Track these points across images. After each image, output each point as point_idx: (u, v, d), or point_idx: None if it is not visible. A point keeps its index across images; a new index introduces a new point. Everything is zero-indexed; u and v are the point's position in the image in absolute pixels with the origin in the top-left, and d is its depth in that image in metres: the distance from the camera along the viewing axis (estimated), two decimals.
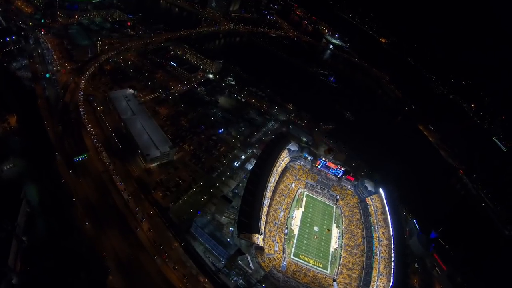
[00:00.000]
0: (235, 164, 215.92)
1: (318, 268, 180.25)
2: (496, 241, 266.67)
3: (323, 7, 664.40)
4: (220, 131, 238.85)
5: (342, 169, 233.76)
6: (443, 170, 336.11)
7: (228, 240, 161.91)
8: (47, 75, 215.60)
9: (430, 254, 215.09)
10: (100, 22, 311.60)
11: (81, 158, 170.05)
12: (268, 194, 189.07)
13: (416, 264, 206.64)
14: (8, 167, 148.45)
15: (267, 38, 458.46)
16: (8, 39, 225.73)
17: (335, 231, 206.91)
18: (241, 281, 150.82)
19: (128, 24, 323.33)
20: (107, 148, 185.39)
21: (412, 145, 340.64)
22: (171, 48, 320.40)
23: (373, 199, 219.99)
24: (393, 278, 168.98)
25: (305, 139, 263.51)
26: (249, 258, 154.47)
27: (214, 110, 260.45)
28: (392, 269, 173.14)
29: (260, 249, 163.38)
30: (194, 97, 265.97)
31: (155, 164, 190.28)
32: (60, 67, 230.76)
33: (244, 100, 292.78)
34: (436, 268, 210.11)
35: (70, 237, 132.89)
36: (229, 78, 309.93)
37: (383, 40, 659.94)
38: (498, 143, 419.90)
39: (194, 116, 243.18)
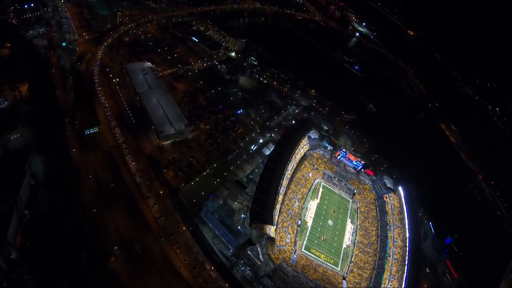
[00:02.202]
0: (252, 147, 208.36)
1: (328, 264, 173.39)
2: (509, 253, 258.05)
3: None
4: (239, 112, 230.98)
5: (362, 162, 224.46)
6: (462, 173, 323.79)
7: (239, 228, 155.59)
8: (64, 44, 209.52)
9: (443, 260, 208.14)
10: None
11: (92, 130, 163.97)
12: (285, 182, 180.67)
13: (427, 268, 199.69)
14: (15, 137, 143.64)
15: (293, 20, 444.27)
16: (26, 6, 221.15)
17: (349, 227, 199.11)
18: (248, 272, 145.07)
19: None
20: (120, 122, 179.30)
21: (433, 144, 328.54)
22: (193, 23, 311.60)
23: (391, 196, 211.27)
24: (405, 282, 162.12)
25: (326, 128, 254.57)
26: (259, 249, 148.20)
27: (234, 89, 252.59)
28: (405, 273, 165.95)
29: (271, 240, 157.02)
30: (214, 75, 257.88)
31: (169, 142, 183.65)
32: (77, 36, 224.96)
33: (265, 81, 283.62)
34: (447, 275, 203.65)
35: (74, 214, 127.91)
36: (251, 58, 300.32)
37: (410, 33, 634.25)
38: None
39: (212, 95, 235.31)
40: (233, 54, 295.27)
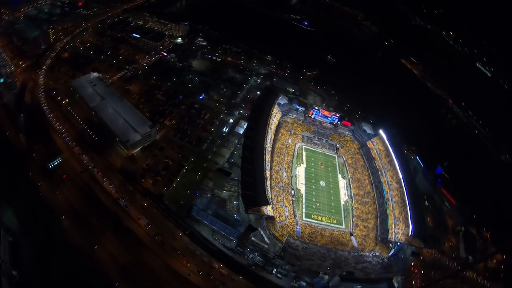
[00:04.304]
0: (224, 130, 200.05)
1: (333, 225, 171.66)
2: (495, 168, 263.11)
3: None
4: (200, 97, 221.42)
5: (337, 115, 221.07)
6: (433, 101, 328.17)
7: (235, 216, 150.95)
8: (1, 80, 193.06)
9: (438, 190, 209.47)
10: (49, 9, 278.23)
11: (55, 162, 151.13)
12: (267, 156, 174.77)
13: (426, 202, 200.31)
14: None
15: None
16: None
17: (341, 182, 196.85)
18: (258, 257, 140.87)
19: (80, 4, 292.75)
20: (82, 144, 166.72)
21: (398, 80, 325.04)
22: (130, 19, 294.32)
23: (374, 142, 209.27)
24: (411, 222, 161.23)
25: (292, 90, 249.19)
26: (262, 232, 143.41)
27: (190, 76, 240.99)
28: (409, 214, 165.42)
29: (271, 218, 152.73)
30: (165, 67, 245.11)
31: (138, 149, 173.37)
32: (14, 67, 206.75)
33: (219, 59, 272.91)
34: (446, 203, 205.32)
35: (63, 257, 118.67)
36: (199, 39, 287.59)
37: None
38: (482, 68, 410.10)
39: (169, 87, 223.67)
40: (179, 40, 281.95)
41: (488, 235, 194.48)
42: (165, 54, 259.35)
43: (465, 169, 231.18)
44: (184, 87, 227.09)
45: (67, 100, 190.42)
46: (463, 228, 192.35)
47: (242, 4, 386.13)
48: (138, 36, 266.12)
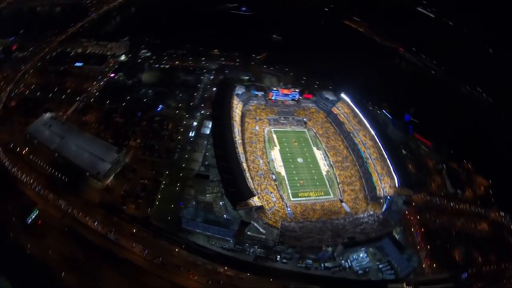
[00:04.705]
0: (190, 135, 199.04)
1: (321, 197, 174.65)
2: (459, 101, 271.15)
3: None
4: (158, 109, 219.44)
5: (296, 90, 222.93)
6: (384, 53, 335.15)
7: (225, 216, 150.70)
8: None
9: (411, 136, 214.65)
10: None
11: (32, 216, 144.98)
12: (240, 149, 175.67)
13: (403, 150, 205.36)
14: None
15: None
16: None
17: (318, 154, 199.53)
18: (259, 250, 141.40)
19: (14, 47, 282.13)
20: (54, 189, 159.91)
21: (347, 42, 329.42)
22: (69, 49, 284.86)
23: (339, 107, 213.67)
24: (395, 174, 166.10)
25: (246, 77, 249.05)
26: (255, 224, 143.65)
27: (142, 90, 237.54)
28: (390, 166, 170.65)
29: (260, 208, 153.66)
30: (115, 88, 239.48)
31: (111, 177, 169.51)
32: None
33: (167, 66, 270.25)
34: (422, 146, 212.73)
35: None
36: (142, 51, 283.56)
37: None
38: (424, 11, 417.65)
39: (125, 107, 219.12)
40: (123, 57, 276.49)
41: (469, 165, 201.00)
42: (112, 75, 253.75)
43: (431, 110, 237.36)
44: (139, 103, 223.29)
45: (26, 149, 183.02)
46: (444, 166, 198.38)
47: (176, 4, 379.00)
48: (81, 64, 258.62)
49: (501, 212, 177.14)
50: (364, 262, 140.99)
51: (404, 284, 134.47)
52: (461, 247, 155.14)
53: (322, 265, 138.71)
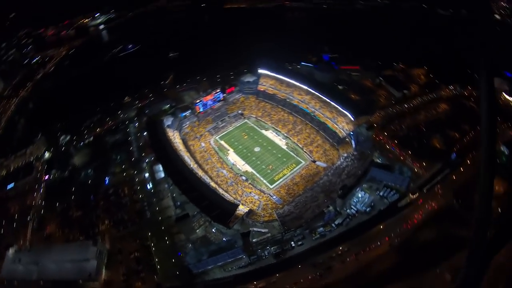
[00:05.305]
0: (148, 188, 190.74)
1: (295, 169, 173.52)
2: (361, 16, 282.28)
3: None
4: (106, 182, 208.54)
5: (217, 91, 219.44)
6: (275, 15, 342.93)
7: (224, 239, 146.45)
8: None
9: (338, 70, 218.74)
10: None
11: None
12: (200, 172, 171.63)
13: (339, 86, 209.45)
14: None
15: None
16: None
17: (269, 134, 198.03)
18: (271, 250, 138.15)
19: None
20: None
21: (237, 22, 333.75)
22: None
23: (262, 83, 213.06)
24: (345, 110, 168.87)
25: (167, 106, 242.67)
26: (254, 229, 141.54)
27: (82, 174, 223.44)
28: (337, 106, 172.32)
29: (250, 212, 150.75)
30: (54, 188, 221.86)
31: (103, 271, 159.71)
32: None
33: (91, 138, 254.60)
34: (352, 73, 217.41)
35: None
36: (60, 138, 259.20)
37: None
38: None
39: (76, 199, 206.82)
40: (46, 155, 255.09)
41: (401, 65, 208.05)
42: (46, 177, 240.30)
43: (343, 35, 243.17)
44: (87, 187, 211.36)
45: None
46: (381, 78, 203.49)
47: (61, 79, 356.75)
48: (12, 184, 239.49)
49: (449, 86, 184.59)
50: (366, 199, 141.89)
51: (410, 195, 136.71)
52: (436, 134, 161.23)
53: (333, 225, 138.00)
